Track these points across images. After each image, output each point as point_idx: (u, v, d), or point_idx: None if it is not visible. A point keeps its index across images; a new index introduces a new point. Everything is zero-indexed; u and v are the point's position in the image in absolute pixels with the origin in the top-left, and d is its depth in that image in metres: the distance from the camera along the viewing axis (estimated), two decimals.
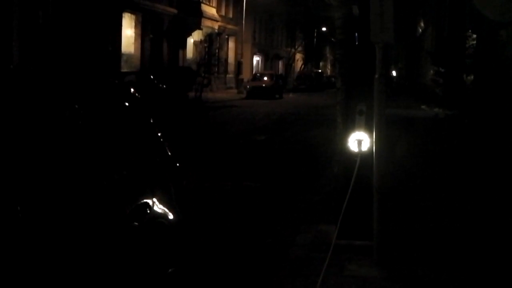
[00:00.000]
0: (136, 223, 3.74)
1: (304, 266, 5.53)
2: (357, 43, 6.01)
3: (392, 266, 5.45)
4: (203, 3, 42.27)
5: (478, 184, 8.56)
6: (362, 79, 5.85)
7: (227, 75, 50.46)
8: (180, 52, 40.83)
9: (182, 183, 4.86)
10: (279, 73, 55.10)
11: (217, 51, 44.30)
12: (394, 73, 52.28)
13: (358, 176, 5.48)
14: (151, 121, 4.59)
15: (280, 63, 65.80)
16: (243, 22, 49.16)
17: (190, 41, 42.56)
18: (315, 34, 63.63)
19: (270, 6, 53.49)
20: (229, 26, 50.03)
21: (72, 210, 3.15)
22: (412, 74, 42.49)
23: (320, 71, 66.43)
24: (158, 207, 4.12)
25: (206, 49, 39.84)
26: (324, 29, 61.12)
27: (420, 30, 41.66)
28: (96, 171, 3.50)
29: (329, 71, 78.52)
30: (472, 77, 18.83)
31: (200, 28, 42.04)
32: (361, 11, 5.90)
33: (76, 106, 3.54)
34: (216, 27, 45.74)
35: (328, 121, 15.91)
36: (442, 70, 22.02)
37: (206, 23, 42.79)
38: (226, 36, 50.68)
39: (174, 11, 38.65)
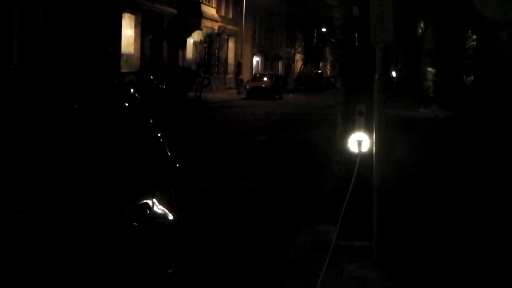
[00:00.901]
0: (136, 224, 3.74)
1: (304, 267, 5.53)
2: (357, 43, 6.01)
3: (392, 267, 5.45)
4: (203, 3, 42.28)
5: (478, 184, 8.56)
6: (362, 80, 5.85)
7: (227, 76, 50.46)
8: (180, 52, 40.84)
9: (182, 184, 4.85)
10: (279, 73, 55.07)
11: (217, 51, 44.34)
12: (394, 73, 52.31)
13: (358, 177, 5.48)
14: (151, 121, 4.58)
15: (280, 64, 65.77)
16: (243, 22, 49.15)
17: (190, 41, 42.57)
18: (315, 35, 63.58)
19: (270, 7, 53.51)
20: (229, 27, 50.04)
21: (72, 211, 3.15)
22: (412, 74, 42.50)
23: (320, 71, 66.39)
24: (158, 208, 4.12)
25: (206, 50, 39.93)
26: (324, 29, 61.06)
27: (420, 30, 41.63)
28: (95, 171, 3.50)
29: (329, 71, 78.47)
30: (472, 78, 18.88)
31: (200, 29, 42.06)
32: (361, 11, 5.89)
33: (76, 107, 3.54)
34: (216, 28, 45.74)
35: (328, 122, 15.93)
36: (442, 71, 22.07)
37: (206, 23, 42.80)
38: (226, 37, 50.69)
39: (174, 11, 38.65)
